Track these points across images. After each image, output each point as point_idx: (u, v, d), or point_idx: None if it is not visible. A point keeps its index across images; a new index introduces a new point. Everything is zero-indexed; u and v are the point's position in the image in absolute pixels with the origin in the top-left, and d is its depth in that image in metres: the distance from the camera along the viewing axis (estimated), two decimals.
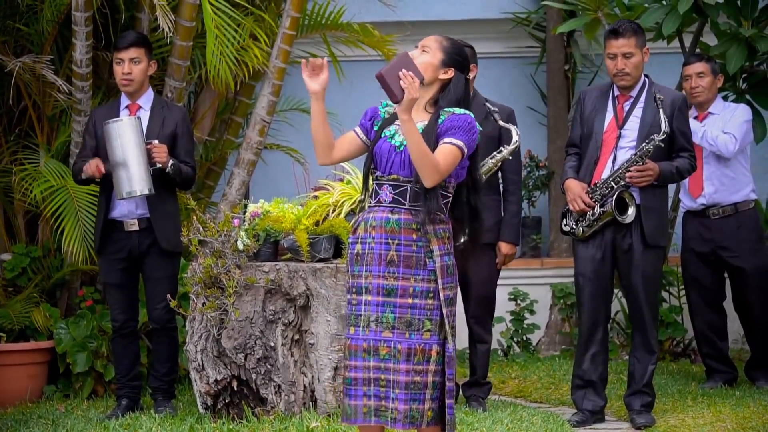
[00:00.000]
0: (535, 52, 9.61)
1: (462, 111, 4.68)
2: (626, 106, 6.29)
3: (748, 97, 7.97)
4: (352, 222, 4.81)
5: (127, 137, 6.45)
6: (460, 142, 4.63)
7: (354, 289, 4.67)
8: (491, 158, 6.48)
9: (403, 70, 4.51)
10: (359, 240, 4.69)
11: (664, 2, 7.81)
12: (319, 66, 4.67)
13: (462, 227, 4.81)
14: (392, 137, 4.68)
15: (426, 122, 4.67)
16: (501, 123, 6.48)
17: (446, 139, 4.61)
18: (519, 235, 6.73)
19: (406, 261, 4.65)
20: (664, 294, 8.71)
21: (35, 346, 7.45)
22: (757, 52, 7.75)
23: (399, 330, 4.62)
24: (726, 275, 7.56)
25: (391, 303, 4.63)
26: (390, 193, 4.69)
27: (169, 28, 6.74)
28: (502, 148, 6.51)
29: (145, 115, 6.68)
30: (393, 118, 4.72)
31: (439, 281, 4.66)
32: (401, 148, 4.65)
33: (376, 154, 4.69)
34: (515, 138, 6.46)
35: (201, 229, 6.42)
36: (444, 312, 4.66)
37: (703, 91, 7.31)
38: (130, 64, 6.64)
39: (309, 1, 8.14)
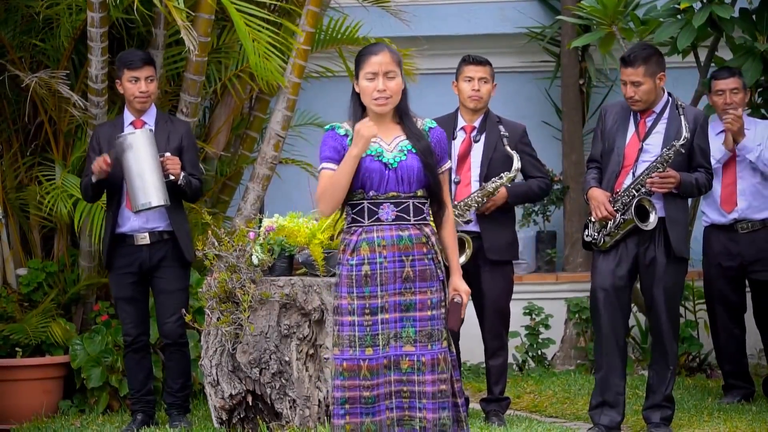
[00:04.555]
0: (549, 66, 9.61)
1: (434, 123, 4.86)
2: (648, 122, 6.31)
3: (763, 111, 7.96)
4: (345, 243, 4.79)
5: (142, 149, 6.46)
6: (449, 164, 4.95)
7: (367, 310, 4.69)
8: (492, 183, 6.52)
9: (457, 314, 4.80)
10: (366, 261, 4.71)
11: (678, 17, 7.80)
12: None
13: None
14: (380, 156, 4.72)
15: (404, 136, 4.77)
16: (507, 149, 6.56)
17: (444, 167, 4.84)
18: (517, 197, 6.70)
19: (421, 275, 4.72)
20: (680, 309, 8.69)
21: (51, 360, 7.47)
22: None
23: (421, 343, 4.69)
24: (748, 290, 7.53)
25: (410, 317, 4.70)
26: (392, 210, 4.74)
27: (194, 46, 6.73)
28: (502, 174, 6.54)
29: None
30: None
31: (447, 290, 4.76)
32: (395, 165, 4.71)
33: (364, 173, 4.72)
34: (516, 165, 6.53)
35: (216, 243, 6.44)
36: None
37: (737, 107, 7.27)
38: (147, 83, 6.67)
39: (324, 16, 8.16)
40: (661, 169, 6.14)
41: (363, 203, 4.74)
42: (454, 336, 6.42)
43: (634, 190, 6.19)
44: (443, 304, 4.75)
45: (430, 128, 4.83)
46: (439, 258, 4.77)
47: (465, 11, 9.67)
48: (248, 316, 6.32)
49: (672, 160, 6.16)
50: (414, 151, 4.74)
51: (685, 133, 6.15)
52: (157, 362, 7.22)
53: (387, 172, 4.72)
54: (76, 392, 7.52)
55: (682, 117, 6.17)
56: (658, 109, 6.33)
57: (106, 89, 7.38)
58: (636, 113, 6.34)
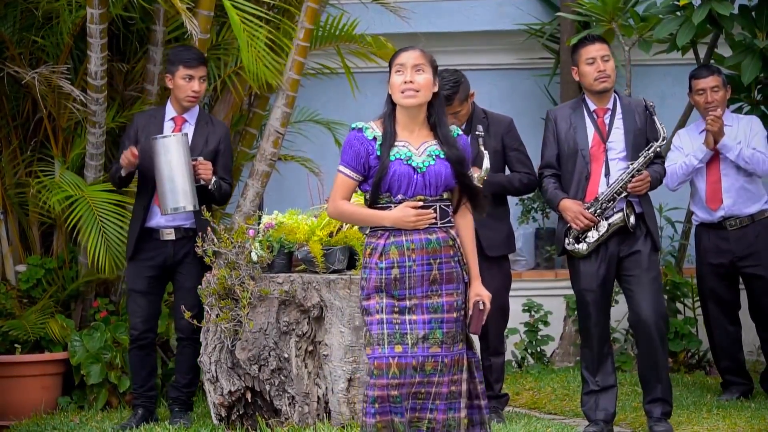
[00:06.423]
0: (548, 63, 9.61)
1: (460, 131, 4.86)
2: (606, 119, 6.32)
3: (763, 108, 7.96)
4: (371, 247, 4.76)
5: (175, 153, 6.48)
6: (471, 172, 4.91)
7: (396, 308, 4.70)
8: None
9: (480, 320, 4.83)
10: (396, 264, 4.71)
11: (678, 13, 7.81)
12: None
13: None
14: (409, 159, 4.72)
15: (433, 142, 4.77)
16: (481, 148, 6.47)
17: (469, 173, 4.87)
18: (492, 186, 6.51)
19: (448, 277, 4.76)
20: (679, 305, 8.69)
21: (50, 357, 7.47)
22: None
23: (446, 344, 4.73)
24: (741, 286, 7.54)
25: (438, 319, 4.73)
26: None
27: (196, 31, 6.73)
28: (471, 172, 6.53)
29: (190, 130, 6.72)
30: (391, 138, 4.76)
31: (467, 292, 4.80)
32: (423, 169, 4.71)
33: (393, 177, 4.72)
34: (486, 165, 6.40)
35: (215, 240, 6.44)
36: (465, 321, 4.83)
37: (718, 106, 7.30)
38: (200, 82, 6.68)
39: (323, 13, 8.16)
40: (642, 172, 6.18)
41: (390, 207, 4.73)
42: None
43: (615, 194, 6.21)
44: (463, 306, 4.77)
45: (458, 135, 4.85)
46: (465, 260, 4.80)
47: (464, 8, 9.66)
48: (247, 313, 6.33)
49: (651, 160, 6.22)
50: (443, 157, 4.75)
51: (663, 134, 6.20)
52: (158, 359, 7.22)
53: (415, 176, 4.73)
54: (75, 389, 7.52)
55: (654, 117, 6.23)
56: (610, 105, 6.35)
57: (106, 86, 7.38)
58: (592, 112, 6.33)
